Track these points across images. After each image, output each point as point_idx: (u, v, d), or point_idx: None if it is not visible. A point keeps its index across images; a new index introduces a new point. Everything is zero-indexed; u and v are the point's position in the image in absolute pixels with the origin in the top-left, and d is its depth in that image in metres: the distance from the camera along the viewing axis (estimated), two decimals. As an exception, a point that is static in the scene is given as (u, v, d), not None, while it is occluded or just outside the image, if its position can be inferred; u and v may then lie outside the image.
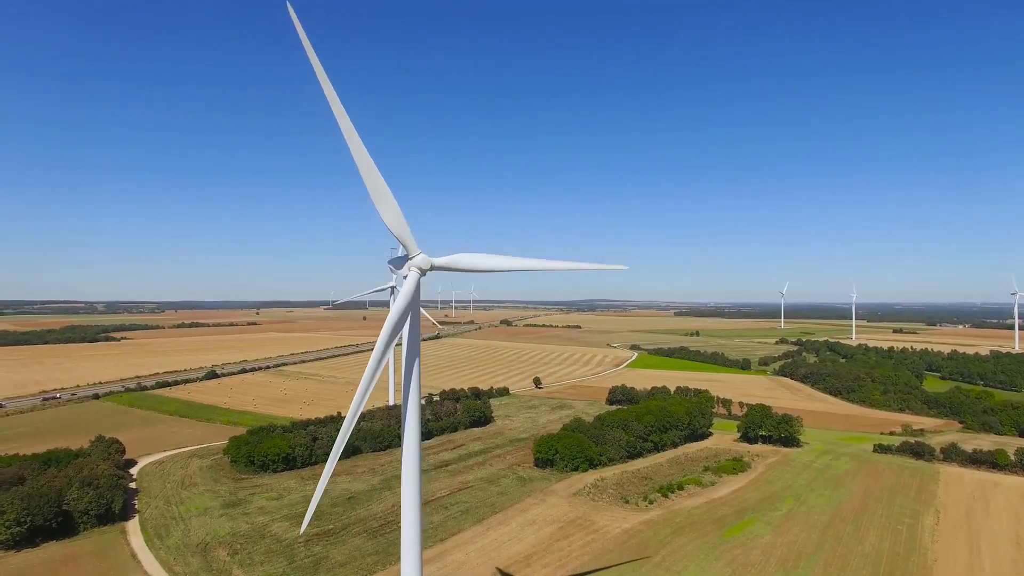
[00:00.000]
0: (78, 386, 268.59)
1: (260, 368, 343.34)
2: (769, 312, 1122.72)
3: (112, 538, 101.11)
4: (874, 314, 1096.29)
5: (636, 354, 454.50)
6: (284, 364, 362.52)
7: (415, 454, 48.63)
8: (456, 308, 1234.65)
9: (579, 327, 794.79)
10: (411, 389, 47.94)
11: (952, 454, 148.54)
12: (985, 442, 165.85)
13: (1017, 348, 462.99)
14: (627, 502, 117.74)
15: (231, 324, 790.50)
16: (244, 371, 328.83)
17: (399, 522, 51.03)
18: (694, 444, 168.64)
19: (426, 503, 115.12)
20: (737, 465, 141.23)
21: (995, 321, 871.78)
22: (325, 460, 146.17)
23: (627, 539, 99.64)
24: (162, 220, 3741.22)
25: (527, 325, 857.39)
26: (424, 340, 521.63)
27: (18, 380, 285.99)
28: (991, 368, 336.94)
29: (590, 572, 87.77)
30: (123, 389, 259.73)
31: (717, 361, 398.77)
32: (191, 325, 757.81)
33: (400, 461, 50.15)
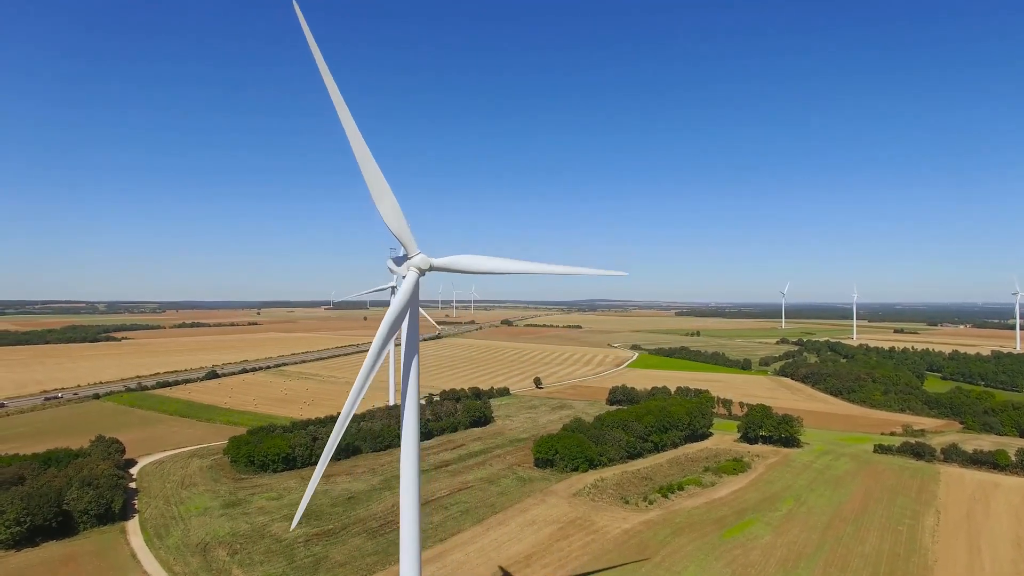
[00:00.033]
0: (79, 386, 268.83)
1: (260, 368, 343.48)
2: (770, 312, 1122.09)
3: (112, 538, 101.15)
4: (875, 314, 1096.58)
5: (637, 354, 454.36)
6: (284, 364, 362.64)
7: (414, 454, 48.65)
8: (457, 308, 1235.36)
9: (580, 327, 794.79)
10: (410, 389, 47.94)
11: (953, 455, 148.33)
12: (986, 443, 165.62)
13: (1018, 348, 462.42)
14: (627, 502, 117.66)
15: (232, 324, 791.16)
16: (245, 371, 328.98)
17: (399, 522, 51.00)
18: (694, 444, 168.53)
19: (426, 503, 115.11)
20: (737, 465, 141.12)
21: (996, 321, 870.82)
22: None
23: (627, 539, 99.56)
24: (163, 220, 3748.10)
25: (528, 325, 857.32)
26: (424, 340, 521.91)
27: (19, 380, 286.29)
28: (992, 368, 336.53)
29: (590, 572, 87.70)
30: (124, 389, 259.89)
31: (718, 361, 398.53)
32: (192, 325, 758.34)
33: (400, 461, 50.14)
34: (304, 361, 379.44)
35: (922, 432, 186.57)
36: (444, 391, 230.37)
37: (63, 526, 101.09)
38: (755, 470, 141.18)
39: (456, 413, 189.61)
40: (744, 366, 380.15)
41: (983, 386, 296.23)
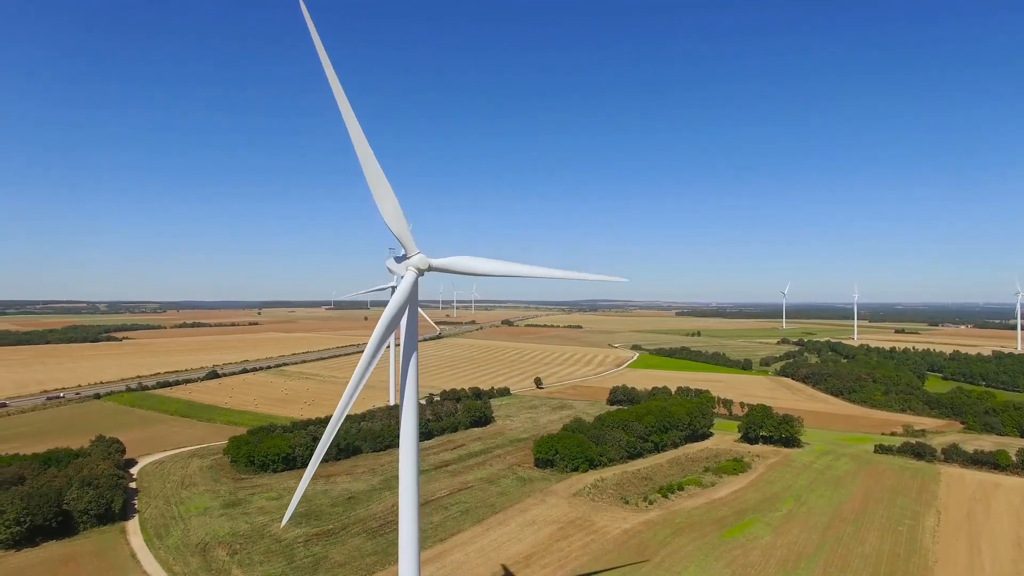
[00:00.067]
0: (80, 386, 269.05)
1: (261, 368, 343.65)
2: (771, 312, 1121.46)
3: (112, 538, 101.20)
4: (876, 314, 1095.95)
5: (637, 354, 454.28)
6: (285, 364, 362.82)
7: (413, 454, 48.56)
8: (458, 308, 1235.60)
9: (580, 327, 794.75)
10: (408, 389, 47.86)
11: (953, 455, 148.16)
12: (987, 443, 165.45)
13: (1020, 348, 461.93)
14: (627, 502, 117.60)
15: (232, 324, 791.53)
16: (245, 371, 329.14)
17: (399, 522, 50.96)
18: (695, 444, 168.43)
19: (426, 503, 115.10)
20: (737, 466, 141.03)
21: (997, 321, 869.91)
22: (325, 460, 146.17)
23: (627, 540, 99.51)
24: (163, 220, 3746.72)
25: (528, 325, 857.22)
26: (425, 340, 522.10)
27: (20, 380, 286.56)
28: (993, 368, 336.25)
29: (589, 573, 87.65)
30: (124, 389, 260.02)
31: (718, 361, 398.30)
32: (192, 325, 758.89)
33: (399, 461, 50.06)
34: (305, 361, 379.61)
35: (923, 432, 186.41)
36: (444, 391, 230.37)
37: (63, 526, 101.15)
38: (755, 470, 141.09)
39: (456, 413, 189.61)
40: (745, 366, 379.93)
41: (984, 386, 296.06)
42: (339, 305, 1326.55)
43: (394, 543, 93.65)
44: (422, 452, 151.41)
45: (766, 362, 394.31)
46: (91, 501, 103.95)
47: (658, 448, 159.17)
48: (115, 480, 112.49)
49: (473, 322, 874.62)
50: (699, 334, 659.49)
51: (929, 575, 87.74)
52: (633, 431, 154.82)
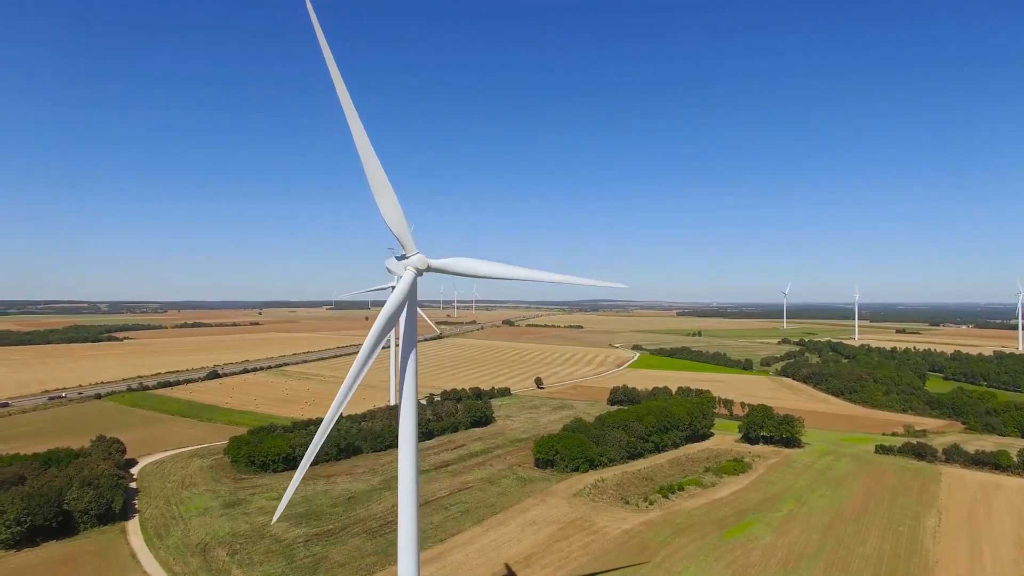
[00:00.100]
0: (81, 386, 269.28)
1: (262, 368, 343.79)
2: (771, 312, 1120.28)
3: (112, 538, 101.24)
4: (877, 314, 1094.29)
5: (638, 354, 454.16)
6: (286, 364, 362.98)
7: (412, 454, 48.55)
8: (458, 308, 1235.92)
9: (581, 327, 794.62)
10: (407, 389, 47.82)
11: (954, 455, 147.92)
12: (988, 443, 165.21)
13: (1021, 349, 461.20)
14: (627, 503, 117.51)
15: (233, 324, 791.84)
16: (246, 371, 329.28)
17: (398, 522, 50.92)
18: (695, 445, 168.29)
19: (426, 503, 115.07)
20: (738, 466, 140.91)
21: (999, 321, 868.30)
22: (326, 460, 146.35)
23: (627, 540, 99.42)
24: (164, 220, 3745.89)
25: (529, 325, 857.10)
26: (426, 340, 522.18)
27: (21, 380, 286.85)
28: (994, 369, 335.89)
29: (590, 574, 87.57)
30: (125, 389, 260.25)
31: (719, 361, 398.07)
32: (193, 325, 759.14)
33: (398, 461, 50.01)
34: (305, 361, 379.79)
35: (924, 432, 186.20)
36: (445, 391, 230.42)
37: (63, 526, 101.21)
38: (756, 470, 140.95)
39: (457, 413, 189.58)
40: (745, 366, 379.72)
41: (985, 386, 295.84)
42: (340, 305, 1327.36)
43: (394, 543, 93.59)
44: (423, 452, 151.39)
45: (767, 362, 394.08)
46: (91, 501, 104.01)
47: (659, 448, 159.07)
48: (115, 480, 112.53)
49: (474, 322, 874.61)
50: (700, 334, 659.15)
51: (930, 575, 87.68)
52: (633, 431, 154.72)
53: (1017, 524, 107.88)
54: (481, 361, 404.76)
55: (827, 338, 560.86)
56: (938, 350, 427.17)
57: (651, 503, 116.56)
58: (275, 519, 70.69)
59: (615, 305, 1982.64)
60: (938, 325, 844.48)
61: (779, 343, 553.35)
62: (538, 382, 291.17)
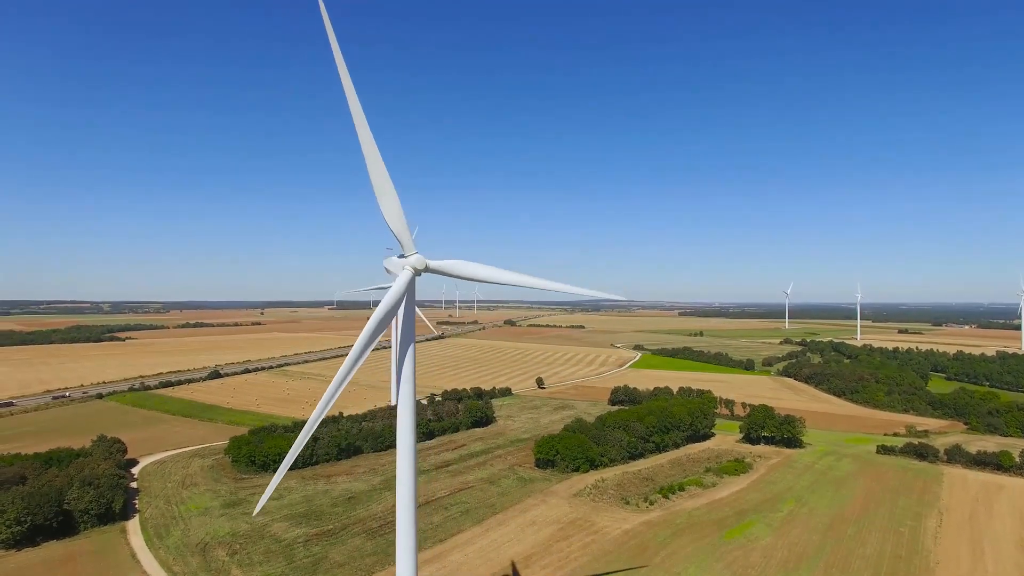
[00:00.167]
0: (83, 385, 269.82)
1: (263, 368, 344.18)
2: (773, 312, 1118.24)
3: (112, 537, 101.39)
4: (879, 314, 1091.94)
5: (639, 354, 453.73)
6: (287, 364, 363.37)
7: (410, 454, 48.41)
8: (460, 308, 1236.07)
9: (583, 327, 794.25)
10: (404, 389, 47.71)
11: (956, 456, 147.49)
12: (990, 444, 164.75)
13: (1023, 349, 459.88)
14: (628, 503, 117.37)
15: (235, 324, 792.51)
16: (247, 371, 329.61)
17: (396, 521, 50.83)
18: (696, 445, 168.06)
19: (426, 503, 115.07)
20: (739, 466, 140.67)
21: (1001, 322, 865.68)
22: (327, 460, 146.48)
23: (627, 540, 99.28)
24: (167, 221, 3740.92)
25: (531, 325, 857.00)
26: (427, 340, 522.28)
27: (24, 379, 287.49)
28: (997, 369, 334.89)
29: (590, 574, 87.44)
30: (127, 389, 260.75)
31: (721, 361, 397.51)
32: (195, 325, 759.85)
33: (396, 461, 49.91)
34: (307, 361, 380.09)
35: (926, 433, 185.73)
36: (446, 391, 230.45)
37: (64, 526, 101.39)
38: (757, 471, 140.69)
39: (457, 413, 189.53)
40: (747, 366, 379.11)
41: (988, 387, 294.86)
42: (342, 305, 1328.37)
43: (394, 543, 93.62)
44: (423, 452, 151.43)
45: (769, 362, 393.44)
46: (92, 501, 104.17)
47: (659, 448, 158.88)
48: (116, 480, 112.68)
49: (475, 322, 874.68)
50: (702, 334, 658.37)
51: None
52: (634, 431, 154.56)
53: (1019, 525, 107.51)
54: (482, 361, 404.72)
55: (829, 338, 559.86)
56: (940, 350, 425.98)
57: (651, 503, 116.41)
58: (255, 513, 70.49)
59: (617, 305, 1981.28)
60: (940, 325, 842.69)
61: (781, 343, 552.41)
62: (539, 382, 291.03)
